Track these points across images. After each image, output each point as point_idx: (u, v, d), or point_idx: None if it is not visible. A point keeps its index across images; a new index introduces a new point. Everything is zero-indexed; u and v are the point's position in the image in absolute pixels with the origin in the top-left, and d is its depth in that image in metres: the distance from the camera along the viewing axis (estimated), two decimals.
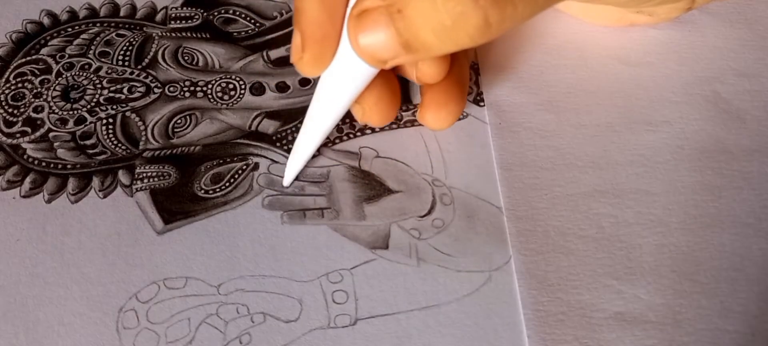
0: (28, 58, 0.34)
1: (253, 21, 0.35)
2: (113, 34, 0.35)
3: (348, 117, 0.31)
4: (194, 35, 0.35)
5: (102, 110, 0.32)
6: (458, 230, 0.29)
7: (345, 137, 0.31)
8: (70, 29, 0.35)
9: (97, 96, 0.33)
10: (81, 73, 0.33)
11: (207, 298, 0.28)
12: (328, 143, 0.31)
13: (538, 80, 0.33)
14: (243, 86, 0.33)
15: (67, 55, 0.34)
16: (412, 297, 0.27)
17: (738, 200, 0.29)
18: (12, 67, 0.34)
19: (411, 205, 0.29)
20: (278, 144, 0.31)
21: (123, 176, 0.30)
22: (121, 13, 0.36)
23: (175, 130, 0.32)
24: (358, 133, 0.31)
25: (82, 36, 0.35)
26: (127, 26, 0.35)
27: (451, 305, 0.27)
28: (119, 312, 0.27)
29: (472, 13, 0.23)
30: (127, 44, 0.34)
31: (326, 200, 0.30)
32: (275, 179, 0.30)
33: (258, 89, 0.33)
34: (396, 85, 0.29)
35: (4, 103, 0.33)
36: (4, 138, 0.32)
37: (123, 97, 0.33)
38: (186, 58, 0.34)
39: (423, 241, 0.29)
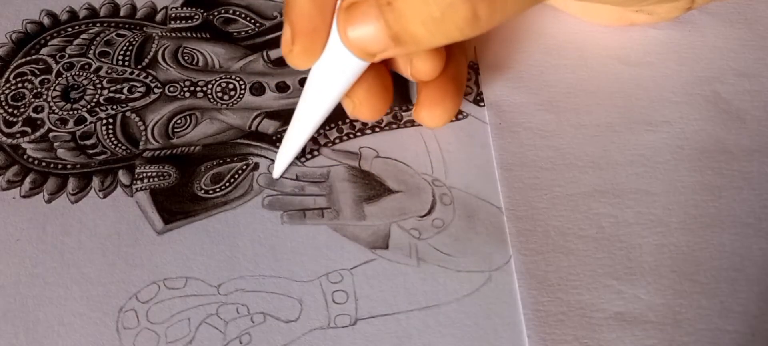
0: (28, 58, 0.34)
1: (253, 21, 0.35)
2: (113, 34, 0.35)
3: (349, 117, 0.31)
4: (194, 35, 0.35)
5: (102, 110, 0.32)
6: (458, 230, 0.29)
7: (345, 137, 0.31)
8: (70, 29, 0.35)
9: (97, 96, 0.33)
10: (81, 73, 0.33)
11: (207, 298, 0.28)
12: (328, 143, 0.31)
13: (538, 80, 0.33)
14: (243, 86, 0.33)
15: (67, 55, 0.34)
16: (412, 297, 0.27)
17: (738, 200, 0.29)
18: (12, 67, 0.34)
19: (411, 205, 0.29)
20: (278, 144, 0.31)
21: (123, 176, 0.30)
22: (121, 13, 0.36)
23: (175, 130, 0.32)
24: (358, 133, 0.31)
25: (82, 36, 0.35)
26: (127, 26, 0.35)
27: (451, 305, 0.27)
28: (119, 312, 0.27)
29: (461, 6, 0.23)
30: (127, 44, 0.34)
31: (326, 200, 0.30)
32: (275, 179, 0.30)
33: (258, 89, 0.33)
34: (387, 80, 0.29)
35: (4, 103, 0.33)
36: (4, 138, 0.32)
37: (123, 97, 0.33)
38: (186, 58, 0.34)
39: (423, 241, 0.29)
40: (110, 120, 0.32)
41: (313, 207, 0.30)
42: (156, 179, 0.30)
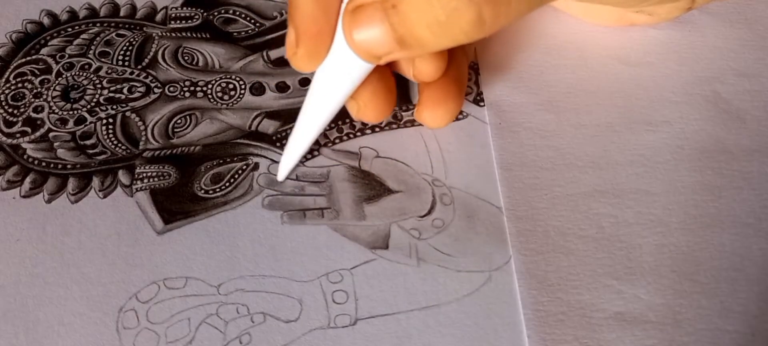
0: (28, 58, 0.34)
1: (253, 21, 0.35)
2: (113, 34, 0.35)
3: (349, 117, 0.31)
4: (194, 35, 0.35)
5: (102, 110, 0.32)
6: (458, 230, 0.29)
7: (345, 137, 0.31)
8: (70, 29, 0.35)
9: (97, 96, 0.33)
10: (81, 73, 0.33)
11: (207, 298, 0.27)
12: (328, 143, 0.31)
13: (538, 80, 0.33)
14: (243, 86, 0.33)
15: (67, 55, 0.34)
16: (412, 297, 0.27)
17: (738, 200, 0.29)
18: (12, 67, 0.34)
19: (411, 205, 0.29)
20: (278, 144, 0.31)
21: (123, 176, 0.30)
22: (121, 13, 0.36)
23: (175, 130, 0.32)
24: (358, 133, 0.31)
25: (82, 36, 0.35)
26: (127, 26, 0.35)
27: (451, 305, 0.27)
28: (119, 312, 0.27)
29: (466, 9, 0.23)
30: (127, 44, 0.34)
31: (326, 200, 0.30)
32: (275, 179, 0.30)
33: (258, 89, 0.33)
34: (391, 82, 0.29)
35: (4, 103, 0.33)
36: (4, 138, 0.32)
37: (123, 97, 0.33)
38: (186, 58, 0.34)
39: (423, 241, 0.29)
40: (110, 120, 0.32)
41: (313, 207, 0.30)
42: (156, 179, 0.30)
